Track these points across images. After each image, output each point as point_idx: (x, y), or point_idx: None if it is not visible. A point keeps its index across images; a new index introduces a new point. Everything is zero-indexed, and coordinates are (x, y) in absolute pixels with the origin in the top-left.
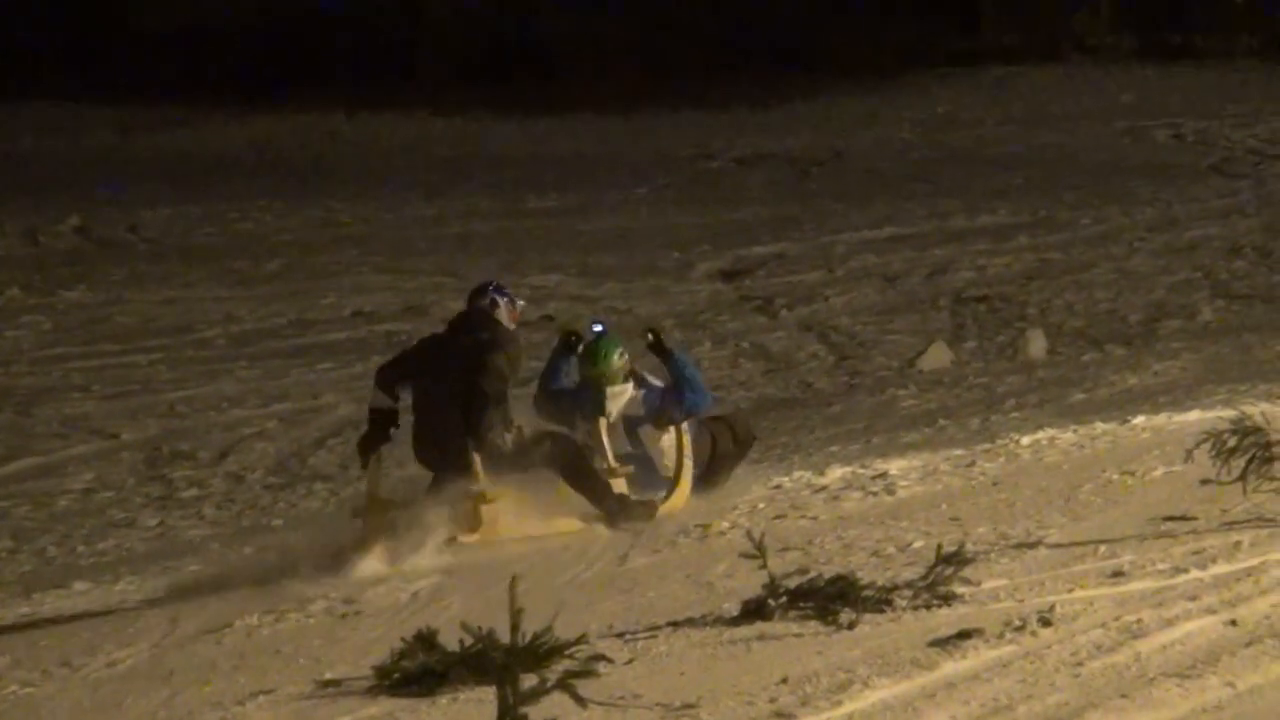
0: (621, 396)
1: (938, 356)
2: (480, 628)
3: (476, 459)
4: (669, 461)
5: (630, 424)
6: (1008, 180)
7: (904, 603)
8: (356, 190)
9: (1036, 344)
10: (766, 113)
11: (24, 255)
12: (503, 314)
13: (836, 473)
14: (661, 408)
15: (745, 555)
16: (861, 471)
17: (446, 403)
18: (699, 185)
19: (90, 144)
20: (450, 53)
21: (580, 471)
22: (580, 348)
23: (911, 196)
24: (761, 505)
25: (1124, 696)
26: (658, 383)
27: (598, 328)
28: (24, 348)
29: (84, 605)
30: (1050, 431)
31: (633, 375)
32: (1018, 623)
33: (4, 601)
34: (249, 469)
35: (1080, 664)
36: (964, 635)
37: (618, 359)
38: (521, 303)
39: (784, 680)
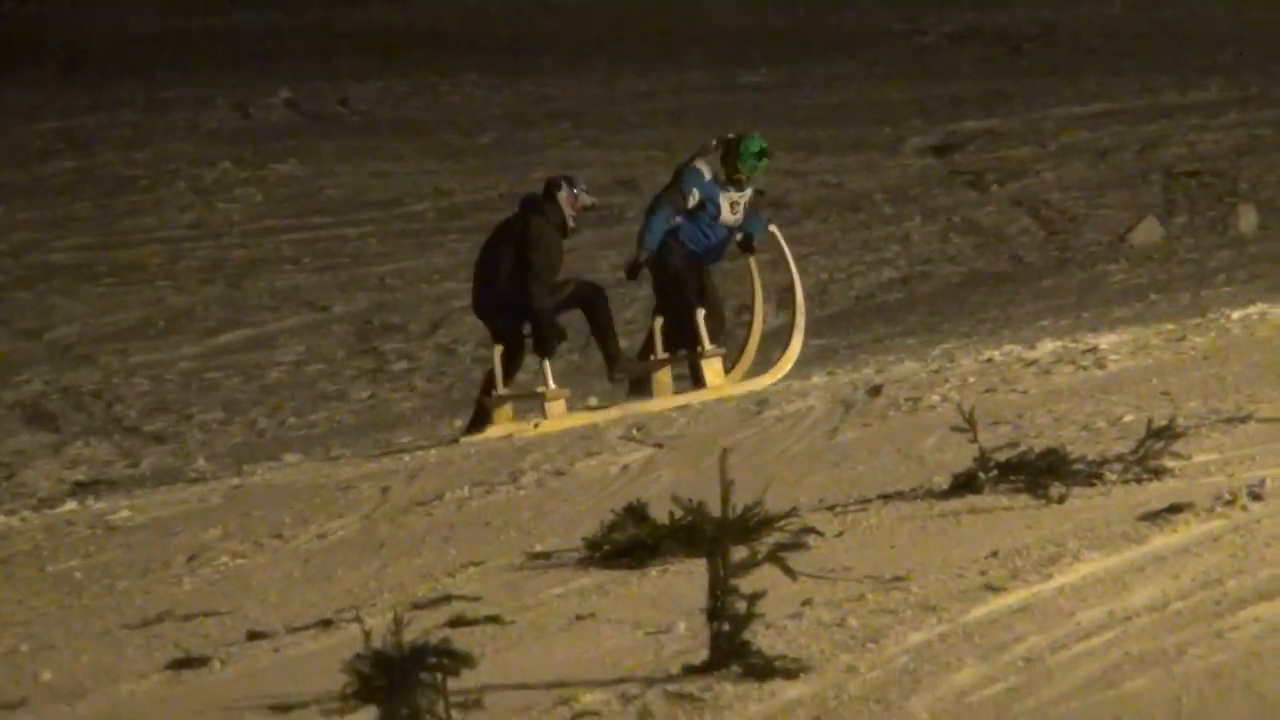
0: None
1: (1148, 231)
2: (690, 500)
3: (547, 365)
4: None
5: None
6: (1219, 56)
7: (1114, 477)
8: (568, 64)
9: (1248, 219)
10: None
11: (235, 129)
12: (563, 198)
13: (1047, 347)
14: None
15: (955, 429)
16: (1072, 345)
17: (497, 266)
18: (910, 60)
19: (300, 18)
20: None
21: (596, 311)
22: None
23: (1122, 72)
24: (972, 379)
25: None
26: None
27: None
28: (235, 220)
29: (295, 477)
30: (1261, 306)
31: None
32: (1228, 497)
33: (215, 473)
34: (459, 341)
35: None
36: (1174, 509)
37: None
38: (584, 194)
39: (994, 553)
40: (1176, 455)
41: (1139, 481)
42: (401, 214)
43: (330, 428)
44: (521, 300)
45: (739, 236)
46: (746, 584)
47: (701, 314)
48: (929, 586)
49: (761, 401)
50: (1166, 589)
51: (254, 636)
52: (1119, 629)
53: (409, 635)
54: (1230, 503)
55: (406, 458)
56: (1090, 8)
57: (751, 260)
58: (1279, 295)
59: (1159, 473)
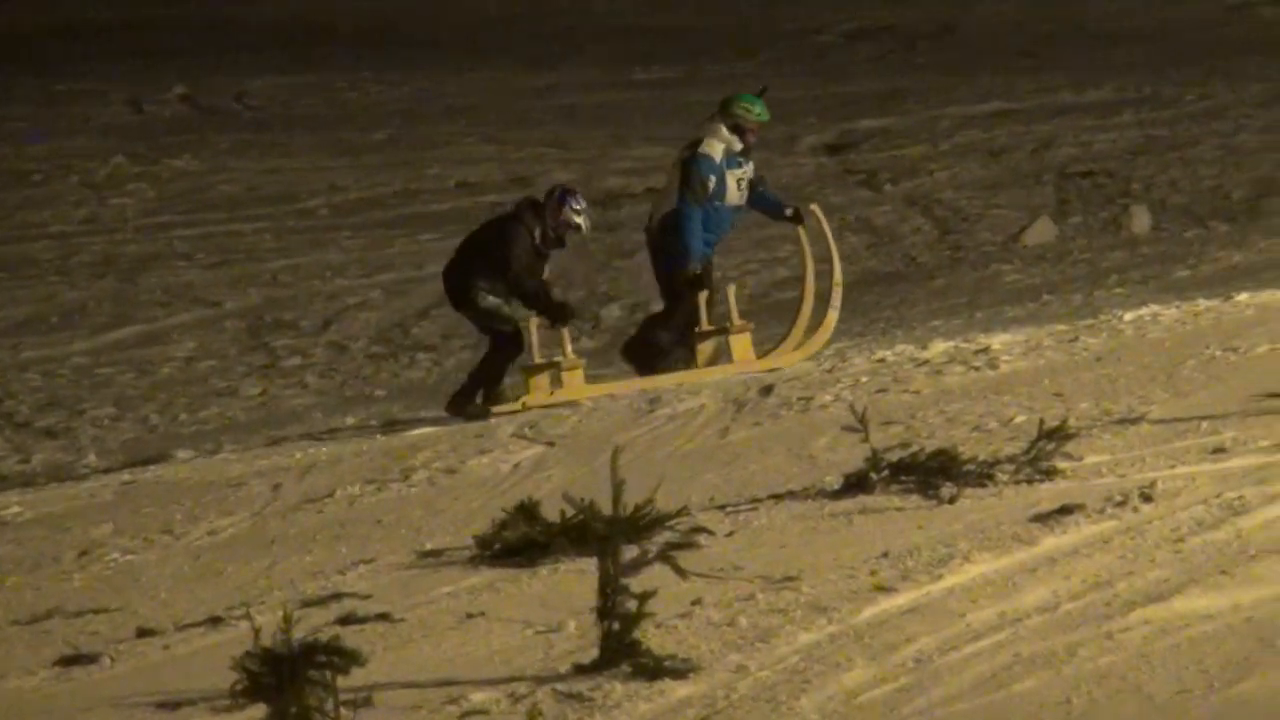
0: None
1: (1042, 231)
2: (582, 499)
3: (566, 334)
4: None
5: None
6: (1114, 56)
7: (1005, 477)
8: (464, 60)
9: (1141, 220)
10: None
11: (129, 123)
12: (549, 209)
13: (939, 347)
14: None
15: (847, 428)
16: (964, 346)
17: (467, 251)
18: (805, 59)
19: (197, 12)
20: None
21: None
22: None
23: (1018, 72)
24: (864, 379)
25: (1224, 573)
26: None
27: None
28: (128, 216)
29: (186, 473)
30: (1154, 307)
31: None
32: (1119, 498)
33: (107, 469)
34: (352, 338)
35: (1181, 540)
36: (1065, 510)
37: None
38: (576, 207)
39: (885, 554)
40: (1068, 456)
41: (1030, 482)
42: (295, 210)
43: (222, 424)
44: (468, 285)
45: (789, 211)
46: (637, 583)
47: (732, 289)
48: (819, 587)
49: (653, 400)
50: (1057, 590)
51: (144, 633)
52: (1009, 630)
53: (299, 633)
54: (1121, 504)
55: (298, 454)
56: (987, 6)
57: (802, 233)
58: (1171, 296)
59: (1050, 474)
